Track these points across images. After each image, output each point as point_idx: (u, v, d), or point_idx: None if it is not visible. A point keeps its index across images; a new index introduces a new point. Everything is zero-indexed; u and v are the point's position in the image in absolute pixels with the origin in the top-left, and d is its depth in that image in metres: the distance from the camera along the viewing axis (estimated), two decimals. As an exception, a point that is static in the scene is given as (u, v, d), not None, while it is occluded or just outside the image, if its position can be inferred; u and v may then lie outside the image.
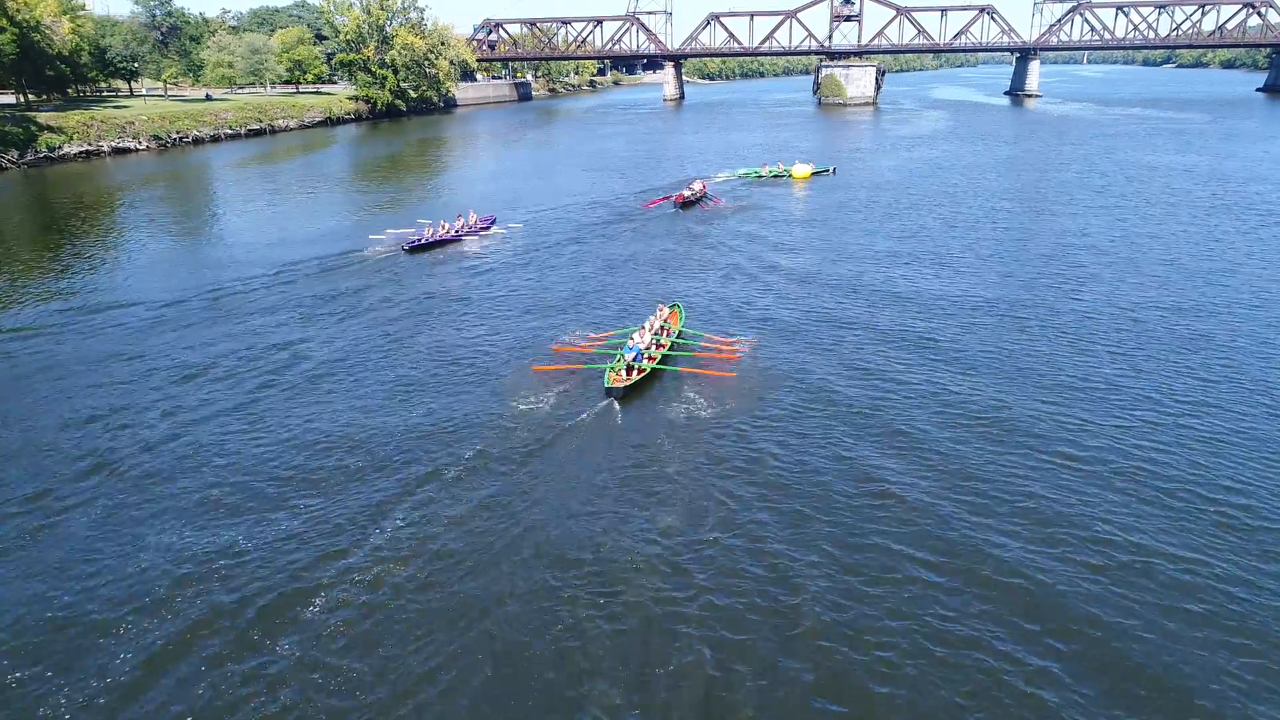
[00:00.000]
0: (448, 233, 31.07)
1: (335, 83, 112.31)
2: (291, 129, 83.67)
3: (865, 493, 13.03)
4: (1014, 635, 9.95)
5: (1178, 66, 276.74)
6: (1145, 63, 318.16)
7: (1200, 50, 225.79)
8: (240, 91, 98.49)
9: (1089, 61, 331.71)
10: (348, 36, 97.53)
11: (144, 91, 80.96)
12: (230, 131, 74.50)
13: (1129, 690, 9.18)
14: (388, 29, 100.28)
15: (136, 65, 76.82)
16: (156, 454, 14.50)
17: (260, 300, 23.91)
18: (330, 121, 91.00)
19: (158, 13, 78.39)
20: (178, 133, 68.52)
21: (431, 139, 79.62)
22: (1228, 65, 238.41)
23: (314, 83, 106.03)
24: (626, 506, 12.72)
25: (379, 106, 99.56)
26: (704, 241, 31.30)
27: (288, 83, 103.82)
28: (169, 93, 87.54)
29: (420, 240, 30.00)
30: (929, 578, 10.97)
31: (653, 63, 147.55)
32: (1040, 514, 12.38)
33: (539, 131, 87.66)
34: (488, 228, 32.77)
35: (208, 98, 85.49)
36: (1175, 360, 18.32)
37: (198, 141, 70.19)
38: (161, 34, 79.08)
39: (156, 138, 66.31)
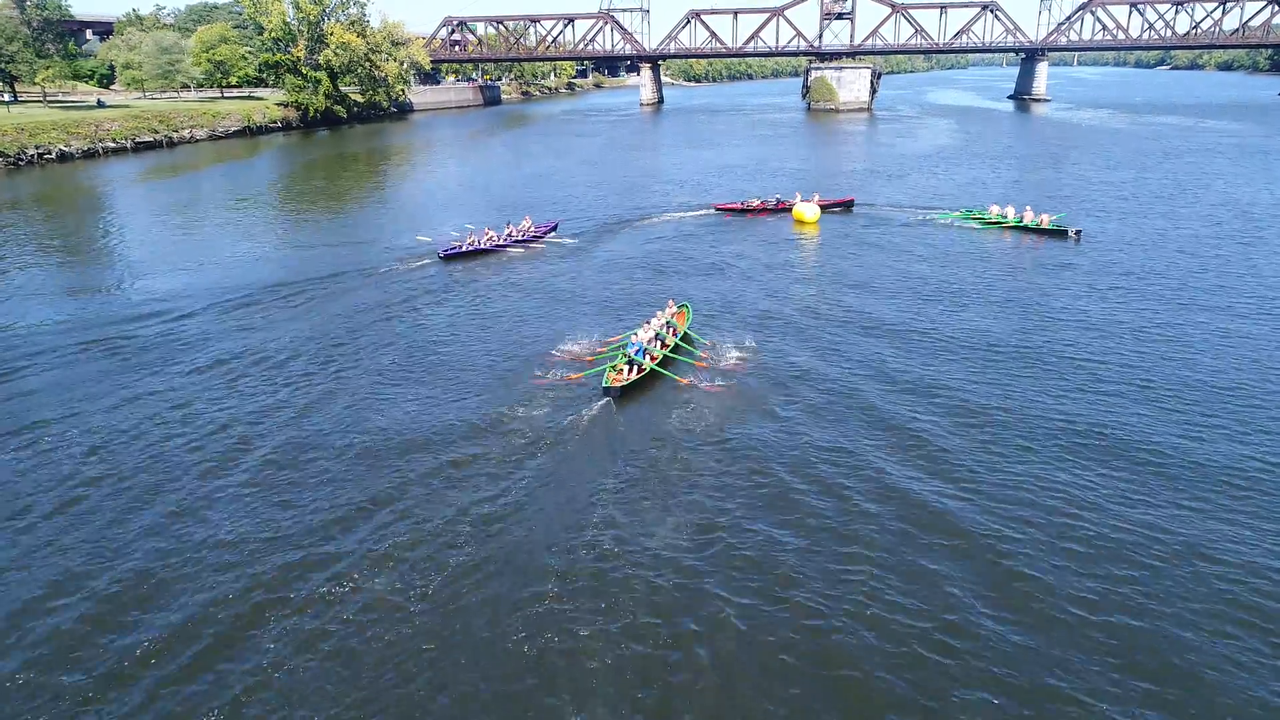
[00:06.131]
0: (492, 241, 29.47)
1: (279, 87, 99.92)
2: (199, 140, 71.78)
3: (870, 493, 12.75)
4: (1021, 632, 9.80)
5: (1173, 68, 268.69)
6: (1138, 64, 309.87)
7: (1196, 52, 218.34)
8: (158, 97, 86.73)
9: (1079, 63, 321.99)
10: (273, 34, 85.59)
11: (8, 98, 68.55)
12: (113, 145, 62.48)
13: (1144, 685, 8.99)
14: (322, 26, 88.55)
15: (7, 66, 64.78)
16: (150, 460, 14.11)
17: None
18: (250, 131, 79.14)
19: (27, 4, 65.95)
20: (37, 148, 56.54)
21: (355, 153, 68.11)
22: (1224, 67, 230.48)
23: (240, 86, 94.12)
24: (622, 507, 12.47)
25: (312, 113, 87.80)
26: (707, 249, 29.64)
27: (214, 86, 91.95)
28: (49, 98, 74.98)
29: (459, 248, 28.57)
30: (939, 578, 10.76)
31: (636, 64, 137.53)
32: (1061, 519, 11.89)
33: (479, 143, 76.40)
34: (542, 236, 31.00)
35: (99, 104, 73.47)
36: None
37: (65, 158, 58.08)
38: (33, 29, 66.72)
39: (3, 154, 54.28)
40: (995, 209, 32.63)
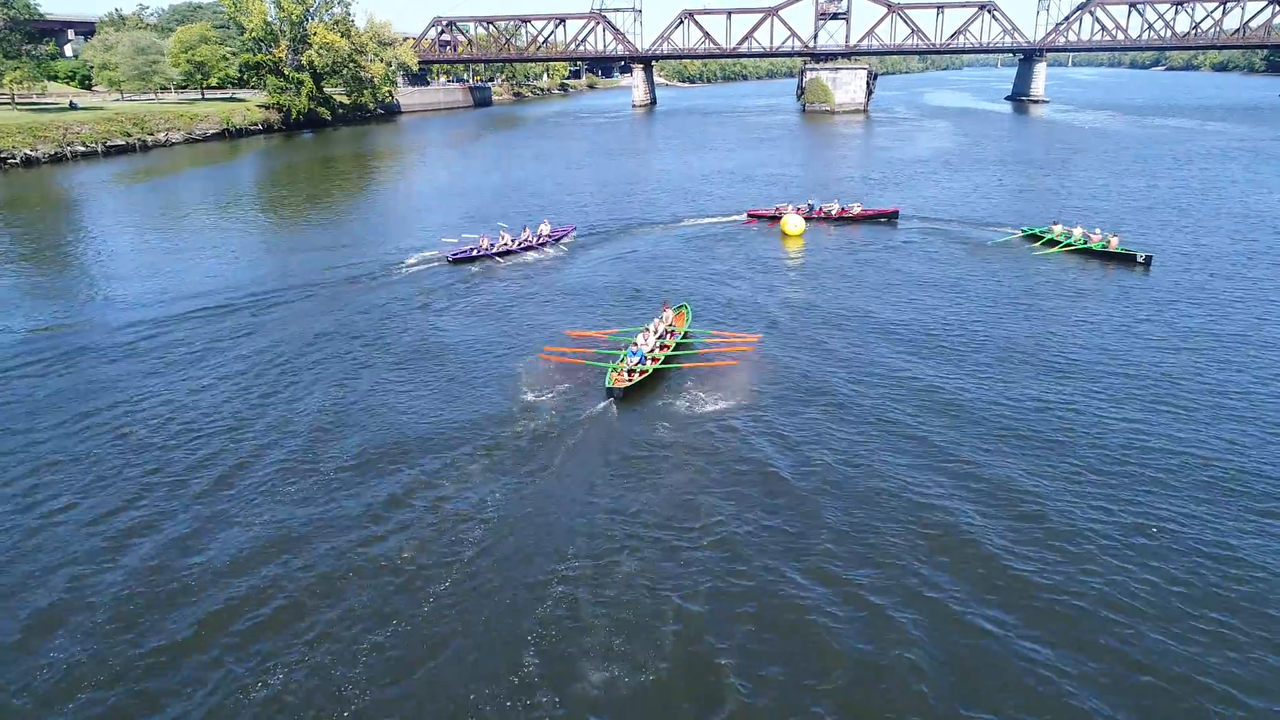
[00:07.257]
0: (505, 245, 29.14)
1: (261, 89, 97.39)
2: (174, 144, 69.32)
3: (872, 494, 12.70)
4: (1021, 629, 9.76)
5: (1168, 69, 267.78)
6: (1133, 65, 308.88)
7: (1191, 53, 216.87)
8: (137, 99, 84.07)
9: (1074, 64, 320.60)
10: (254, 34, 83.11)
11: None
12: (83, 149, 59.99)
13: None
14: (305, 26, 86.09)
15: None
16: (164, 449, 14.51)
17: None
18: (230, 133, 76.67)
19: (-9, 3, 63.35)
20: (0, 151, 54.10)
21: (339, 156, 65.72)
22: (1220, 68, 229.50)
23: (222, 87, 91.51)
24: (623, 507, 12.50)
25: (295, 115, 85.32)
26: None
27: (194, 87, 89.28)
28: (19, 100, 72.19)
29: (468, 252, 28.46)
30: (941, 579, 10.64)
31: (629, 65, 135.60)
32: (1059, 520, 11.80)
33: (467, 146, 74.20)
34: (555, 240, 30.77)
35: (71, 105, 70.93)
36: None
37: (30, 163, 55.64)
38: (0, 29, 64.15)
39: (-38, 160, 51.80)
40: (1059, 228, 29.10)
